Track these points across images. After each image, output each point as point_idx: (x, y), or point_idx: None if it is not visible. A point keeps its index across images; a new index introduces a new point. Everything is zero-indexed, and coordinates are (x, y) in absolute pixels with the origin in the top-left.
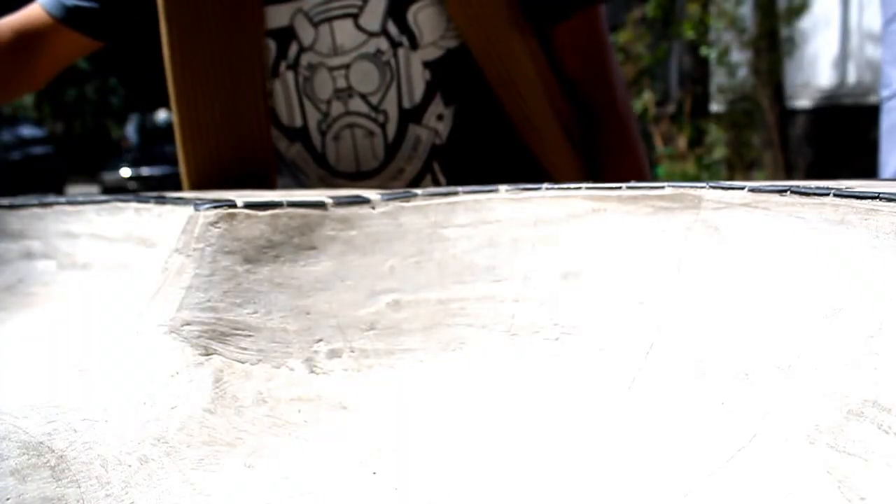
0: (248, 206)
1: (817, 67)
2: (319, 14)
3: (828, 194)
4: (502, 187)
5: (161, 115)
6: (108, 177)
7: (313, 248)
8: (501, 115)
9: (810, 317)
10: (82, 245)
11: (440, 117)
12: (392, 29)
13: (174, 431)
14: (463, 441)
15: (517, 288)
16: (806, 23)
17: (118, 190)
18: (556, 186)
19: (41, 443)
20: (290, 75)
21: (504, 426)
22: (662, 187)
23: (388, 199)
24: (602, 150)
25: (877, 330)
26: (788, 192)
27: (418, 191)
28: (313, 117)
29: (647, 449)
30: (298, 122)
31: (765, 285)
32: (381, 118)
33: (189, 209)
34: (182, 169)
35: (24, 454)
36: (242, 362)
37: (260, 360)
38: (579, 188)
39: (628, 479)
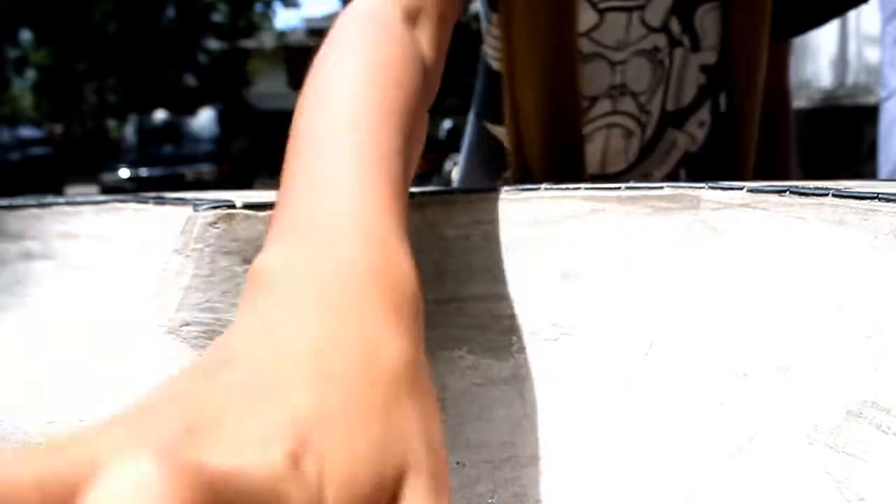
0: (248, 206)
1: (816, 68)
2: (605, 0)
3: (826, 194)
4: (501, 187)
5: (159, 115)
6: (106, 177)
7: None
8: (743, 128)
9: (809, 317)
10: (81, 246)
11: (701, 124)
12: (675, 27)
13: None
14: (462, 442)
15: (515, 288)
16: None
17: (117, 190)
18: (555, 186)
19: (40, 443)
20: None
21: (503, 427)
22: (661, 187)
23: None
24: (774, 163)
25: (876, 330)
26: (787, 193)
27: (415, 189)
28: None
29: (646, 449)
30: None
31: (763, 286)
32: (643, 118)
33: (188, 210)
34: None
35: None
36: None
37: None
38: (578, 188)
39: (628, 479)
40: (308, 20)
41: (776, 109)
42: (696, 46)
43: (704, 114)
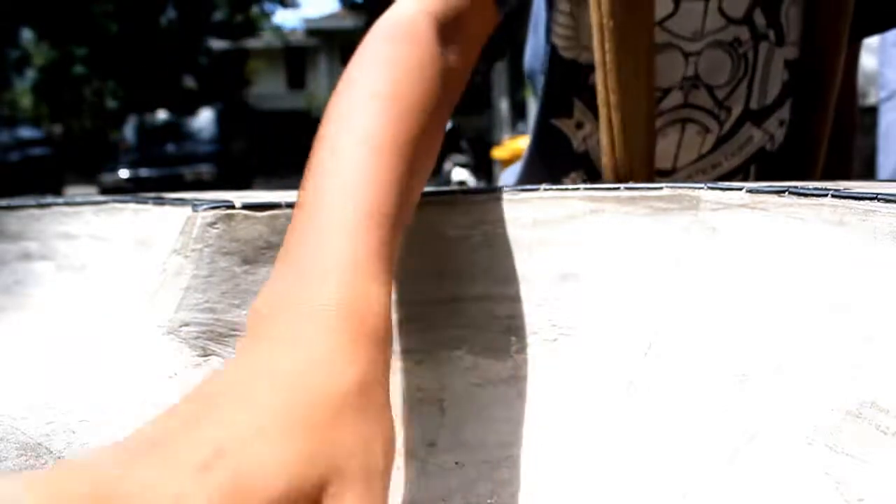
0: (247, 206)
1: None
2: None
3: (826, 195)
4: (501, 188)
5: (159, 115)
6: (106, 178)
7: None
8: (818, 129)
9: (809, 317)
10: (80, 246)
11: (781, 123)
12: (759, 19)
13: None
14: (461, 442)
15: (515, 289)
16: None
17: (116, 191)
18: (554, 187)
19: (39, 444)
20: None
21: (502, 427)
22: (660, 188)
23: None
24: (836, 166)
25: (875, 331)
26: (786, 193)
27: None
28: None
29: (645, 450)
30: None
31: (763, 286)
32: (722, 115)
33: (187, 210)
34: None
35: (22, 455)
36: None
37: None
38: (577, 189)
39: (627, 479)
40: (307, 20)
41: (845, 118)
42: (780, 41)
43: (786, 112)
